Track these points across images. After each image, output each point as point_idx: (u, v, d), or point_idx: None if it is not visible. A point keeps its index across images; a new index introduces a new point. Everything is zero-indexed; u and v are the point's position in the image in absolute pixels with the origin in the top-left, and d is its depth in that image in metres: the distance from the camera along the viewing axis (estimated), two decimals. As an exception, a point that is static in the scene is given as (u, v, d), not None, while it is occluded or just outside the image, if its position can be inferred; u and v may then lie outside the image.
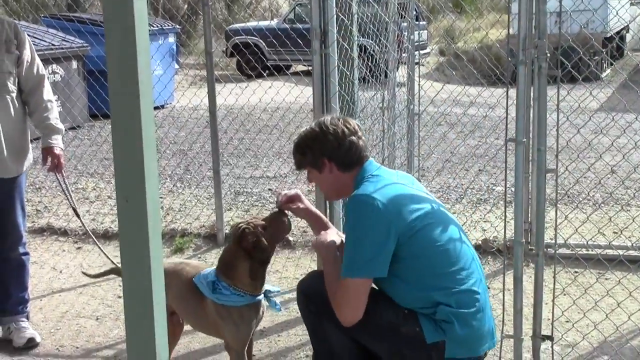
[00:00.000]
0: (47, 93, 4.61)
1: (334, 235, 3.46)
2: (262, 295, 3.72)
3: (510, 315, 3.93)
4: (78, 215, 5.03)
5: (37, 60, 4.60)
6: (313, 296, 3.31)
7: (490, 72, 9.83)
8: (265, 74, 14.68)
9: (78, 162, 9.35)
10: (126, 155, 2.71)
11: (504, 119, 8.37)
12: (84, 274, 4.88)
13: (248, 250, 3.58)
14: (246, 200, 7.71)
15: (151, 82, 2.79)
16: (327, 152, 3.33)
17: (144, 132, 2.69)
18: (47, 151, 4.69)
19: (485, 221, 6.67)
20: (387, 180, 3.27)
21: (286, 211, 3.69)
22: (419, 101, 6.54)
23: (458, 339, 3.13)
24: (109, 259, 5.09)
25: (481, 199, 7.45)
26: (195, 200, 7.65)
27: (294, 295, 5.30)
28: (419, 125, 6.55)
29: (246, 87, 9.56)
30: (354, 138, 3.33)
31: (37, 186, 8.45)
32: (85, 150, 9.90)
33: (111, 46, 2.68)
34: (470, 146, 9.28)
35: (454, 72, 14.25)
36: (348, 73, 4.34)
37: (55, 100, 4.79)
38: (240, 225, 3.65)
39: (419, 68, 6.71)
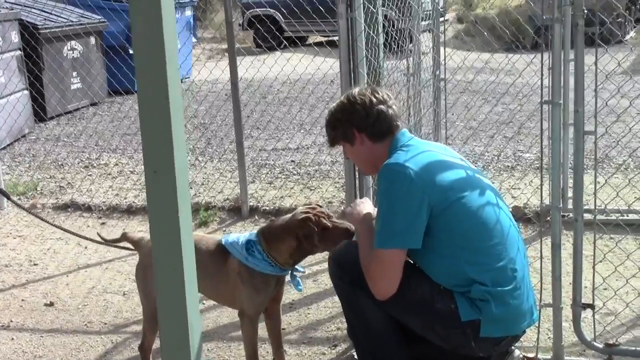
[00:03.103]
0: None
1: (369, 206, 3.37)
2: (289, 272, 3.70)
3: (547, 284, 3.83)
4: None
5: None
6: (347, 266, 3.23)
7: (515, 38, 9.65)
8: (283, 46, 14.53)
9: (99, 138, 9.29)
10: (154, 126, 2.64)
11: (529, 85, 8.28)
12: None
13: (299, 237, 3.53)
14: (269, 172, 7.63)
15: (177, 52, 2.70)
16: (356, 123, 3.26)
17: (171, 103, 2.62)
18: None
19: (515, 188, 6.56)
20: (420, 148, 3.19)
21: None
22: (444, 67, 6.41)
23: (494, 317, 3.04)
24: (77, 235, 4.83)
25: (509, 166, 7.33)
26: (218, 174, 7.57)
27: (322, 267, 5.25)
28: (445, 91, 6.42)
29: (266, 58, 9.45)
30: (382, 107, 3.25)
31: (60, 163, 8.40)
32: (106, 127, 9.84)
33: (136, 15, 2.59)
34: (496, 113, 9.13)
35: (481, 38, 14.03)
36: (375, 36, 4.23)
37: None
38: (310, 213, 3.53)
39: (444, 34, 6.57)
